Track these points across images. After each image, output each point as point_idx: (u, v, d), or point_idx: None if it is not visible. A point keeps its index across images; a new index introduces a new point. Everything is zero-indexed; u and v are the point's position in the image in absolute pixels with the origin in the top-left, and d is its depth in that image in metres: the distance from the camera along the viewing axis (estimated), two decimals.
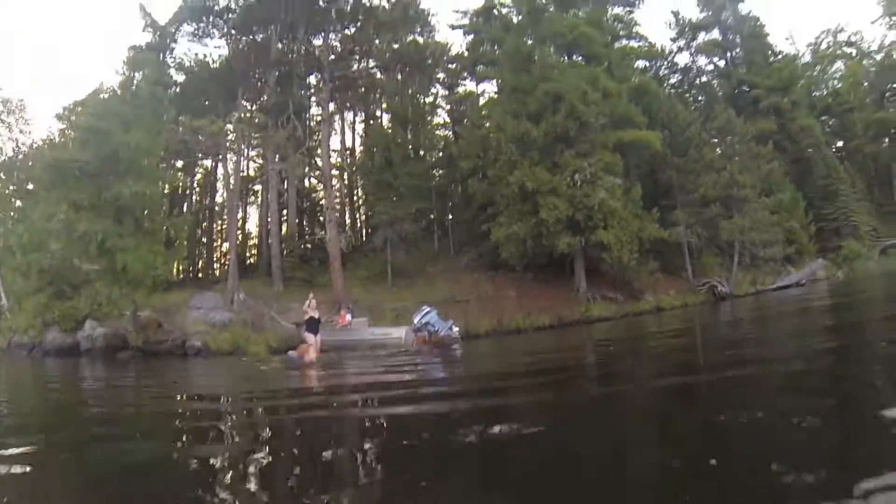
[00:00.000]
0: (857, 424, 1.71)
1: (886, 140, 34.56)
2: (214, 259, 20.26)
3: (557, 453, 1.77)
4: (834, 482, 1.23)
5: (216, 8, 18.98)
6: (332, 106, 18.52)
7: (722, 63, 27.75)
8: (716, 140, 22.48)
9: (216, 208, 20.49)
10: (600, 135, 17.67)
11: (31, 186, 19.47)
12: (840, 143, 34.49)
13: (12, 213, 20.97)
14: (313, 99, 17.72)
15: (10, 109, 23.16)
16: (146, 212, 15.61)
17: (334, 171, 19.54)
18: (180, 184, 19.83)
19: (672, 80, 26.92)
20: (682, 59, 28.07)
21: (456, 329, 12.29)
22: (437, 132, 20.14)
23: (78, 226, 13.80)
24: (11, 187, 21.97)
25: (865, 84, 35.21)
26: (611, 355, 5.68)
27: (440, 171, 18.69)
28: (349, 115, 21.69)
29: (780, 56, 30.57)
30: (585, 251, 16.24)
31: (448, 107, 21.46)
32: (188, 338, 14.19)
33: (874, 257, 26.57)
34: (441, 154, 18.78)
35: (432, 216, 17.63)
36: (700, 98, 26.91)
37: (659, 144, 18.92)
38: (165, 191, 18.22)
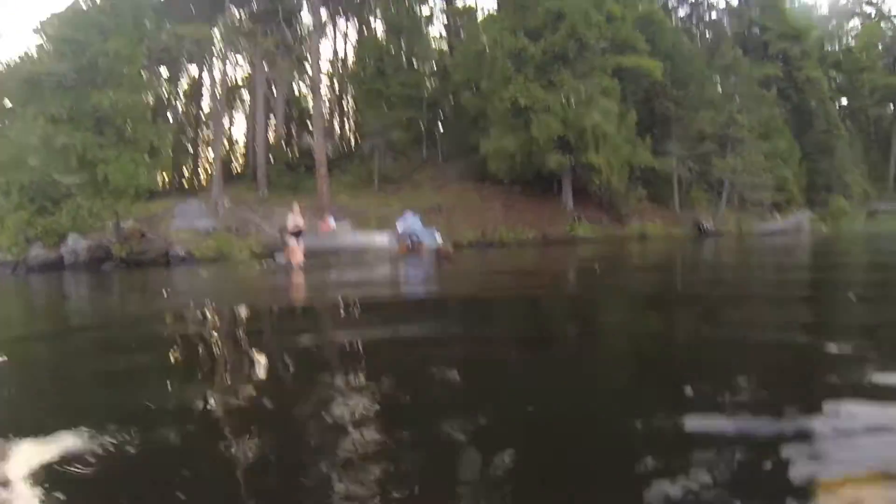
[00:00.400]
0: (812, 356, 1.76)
1: (892, 106, 33.87)
2: (199, 168, 20.13)
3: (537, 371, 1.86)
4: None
5: None
6: (324, 13, 17.69)
7: (735, 1, 26.53)
8: (719, 78, 22.01)
9: (202, 116, 20.03)
10: (600, 58, 17.21)
11: (7, 104, 18.80)
12: (844, 101, 33.79)
13: None
14: (305, 5, 16.89)
15: None
16: (127, 121, 15.24)
17: (324, 79, 19.05)
18: (165, 92, 19.25)
19: (680, 13, 25.81)
20: None
21: (439, 236, 12.37)
22: (432, 44, 19.44)
23: (56, 139, 13.61)
24: None
25: (880, 47, 33.99)
26: (597, 276, 5.75)
27: (433, 83, 18.24)
28: (342, 24, 20.82)
29: (796, 3, 29.26)
30: (575, 171, 16.28)
31: (445, 19, 20.62)
32: (172, 246, 14.11)
33: (861, 218, 26.85)
34: (435, 66, 18.24)
35: (422, 126, 17.43)
36: (707, 34, 25.93)
37: (660, 74, 18.48)
38: (149, 100, 17.71)
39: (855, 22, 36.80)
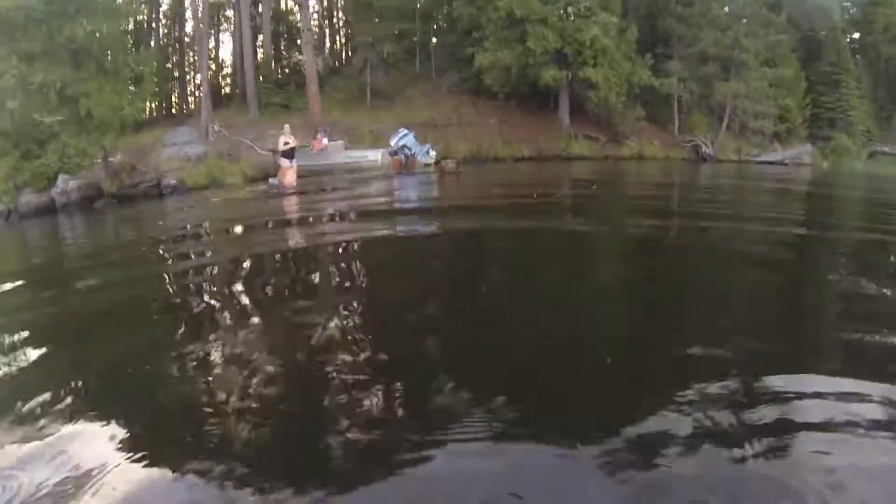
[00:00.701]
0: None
1: None
2: (188, 93, 19.57)
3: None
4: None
5: None
6: None
7: None
8: None
9: (186, 39, 19.24)
10: None
11: None
12: (857, 35, 32.33)
13: None
14: None
15: None
16: (106, 51, 14.50)
17: None
18: (144, 17, 18.37)
19: None
20: None
21: (433, 153, 12.20)
22: None
23: (33, 77, 12.69)
24: None
25: None
26: (591, 194, 5.54)
27: None
28: None
29: None
30: (572, 87, 15.86)
31: None
32: (163, 176, 13.92)
33: (862, 158, 26.44)
34: None
35: (415, 38, 16.79)
36: None
37: None
38: (129, 27, 16.91)
39: None
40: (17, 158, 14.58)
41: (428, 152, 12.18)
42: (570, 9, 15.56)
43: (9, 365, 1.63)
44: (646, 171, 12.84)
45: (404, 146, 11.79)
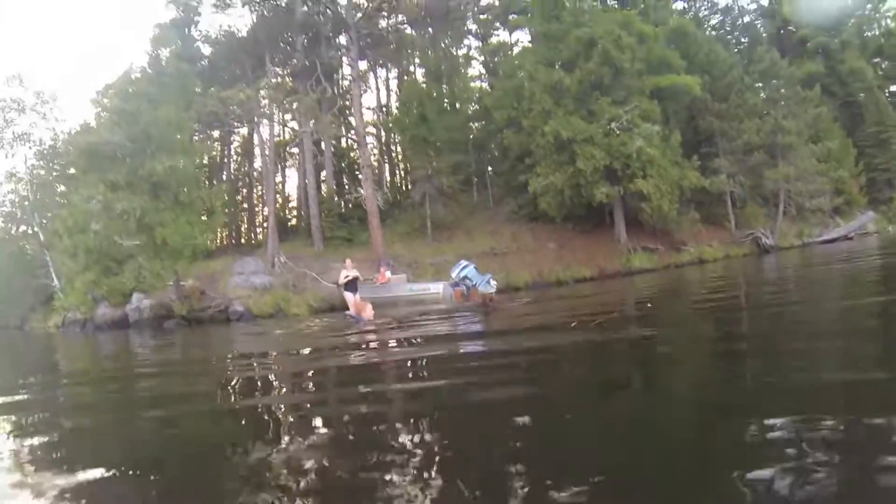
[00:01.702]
0: None
1: None
2: (256, 224, 20.80)
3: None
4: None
5: None
6: (363, 65, 18.29)
7: (765, 1, 25.69)
8: (759, 84, 21.17)
9: (255, 174, 20.88)
10: (636, 81, 16.93)
11: (71, 171, 20.09)
12: (894, 88, 31.78)
13: (57, 199, 21.86)
14: (344, 59, 17.47)
15: (43, 100, 23.85)
16: (182, 185, 15.85)
17: (369, 129, 19.47)
18: (217, 153, 20.22)
19: (712, 22, 25.17)
20: None
21: (494, 283, 12.20)
22: (472, 84, 19.66)
23: (116, 205, 14.02)
24: (54, 174, 23.01)
25: None
26: (652, 314, 5.46)
27: (477, 124, 18.34)
28: (382, 73, 21.48)
29: None
30: (625, 201, 15.88)
31: (482, 58, 20.84)
32: (230, 303, 14.54)
33: None
34: (477, 107, 18.38)
35: (470, 169, 17.45)
36: (743, 40, 25.12)
37: (699, 89, 17.98)
38: (204, 162, 18.59)
39: (891, 2, 34.89)
40: (97, 274, 15.62)
41: (489, 282, 12.11)
42: (613, 124, 15.98)
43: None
44: (707, 274, 12.21)
45: (465, 277, 11.79)
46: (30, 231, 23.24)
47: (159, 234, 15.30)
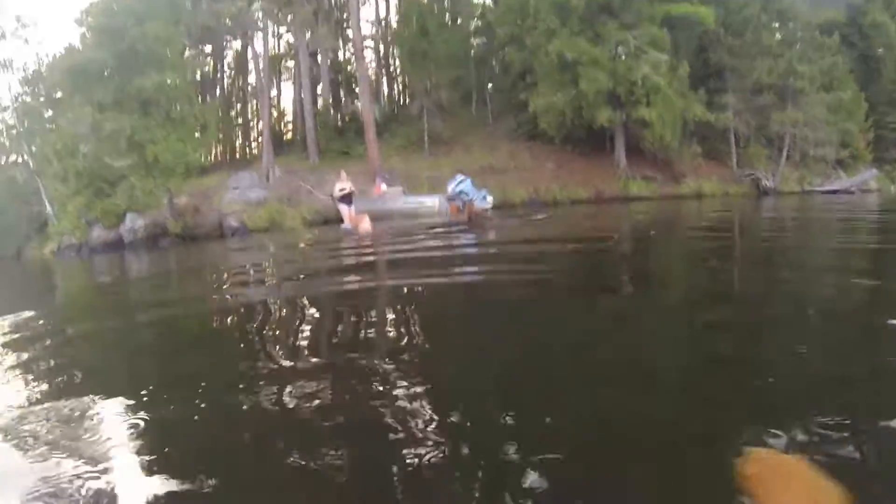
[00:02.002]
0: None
1: None
2: (251, 139, 20.49)
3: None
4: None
5: None
6: None
7: None
8: (776, 24, 20.33)
9: (250, 89, 20.38)
10: (647, 6, 16.22)
11: (58, 95, 19.49)
12: None
13: (46, 125, 21.39)
14: None
15: (24, 24, 22.91)
16: (173, 102, 15.44)
17: (368, 42, 18.83)
18: (209, 68, 19.64)
19: None
20: None
21: (490, 199, 12.10)
22: (474, 0, 18.87)
23: (105, 125, 13.70)
24: (40, 99, 22.42)
25: None
26: (650, 239, 5.31)
27: (478, 40, 17.73)
28: None
29: None
30: (627, 127, 15.58)
31: None
32: (225, 218, 14.45)
33: None
34: (479, 22, 17.71)
35: (469, 84, 17.04)
36: None
37: (713, 21, 17.25)
38: (196, 77, 18.02)
39: None
40: (90, 197, 15.54)
41: (485, 197, 12.06)
42: (619, 49, 15.46)
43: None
44: (706, 210, 12.17)
45: (462, 192, 11.71)
46: (20, 159, 22.94)
47: (150, 152, 15.06)
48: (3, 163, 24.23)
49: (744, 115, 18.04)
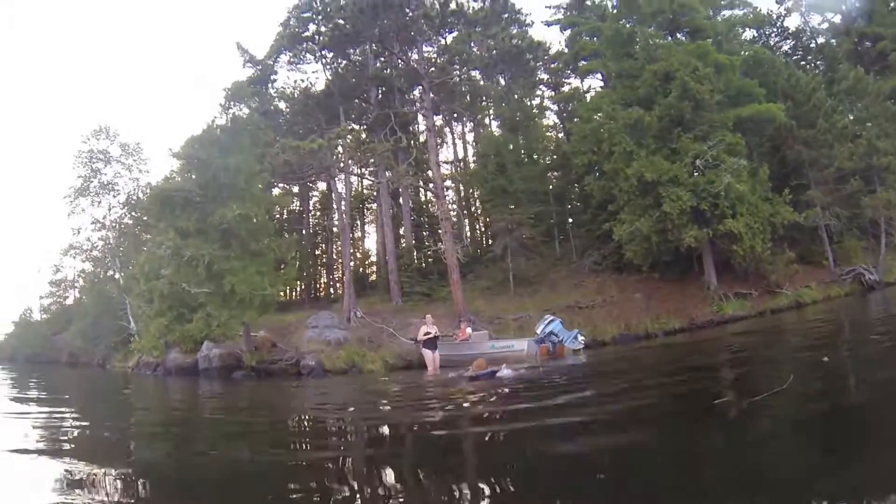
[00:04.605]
0: None
1: None
2: (335, 279, 21.27)
3: None
4: None
5: (306, 34, 19.86)
6: (438, 119, 18.55)
7: (837, 19, 24.15)
8: (844, 105, 19.77)
9: (334, 229, 21.61)
10: (717, 114, 16.29)
11: (149, 220, 21.32)
12: None
13: (142, 247, 23.42)
14: (419, 114, 17.84)
15: (128, 152, 26.05)
16: (253, 235, 16.03)
17: (447, 182, 19.73)
18: (296, 207, 21.05)
19: (785, 48, 23.93)
20: (793, 21, 24.83)
21: (582, 338, 11.83)
22: (548, 134, 19.60)
23: (185, 251, 14.29)
24: (136, 221, 24.94)
25: None
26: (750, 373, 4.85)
27: (555, 174, 18.19)
28: (458, 129, 21.80)
29: None
30: (713, 244, 15.15)
31: (556, 107, 20.81)
32: (302, 357, 14.41)
33: None
34: (554, 156, 18.27)
35: (551, 220, 17.23)
36: (818, 63, 23.70)
37: (783, 116, 17.02)
38: (276, 214, 19.26)
39: None
40: (171, 319, 16.17)
41: (576, 337, 11.78)
42: (697, 161, 15.38)
43: None
44: (807, 318, 11.21)
45: (551, 333, 11.50)
46: (113, 276, 25.26)
47: (228, 283, 15.57)
48: (101, 277, 26.83)
49: (832, 208, 17.20)
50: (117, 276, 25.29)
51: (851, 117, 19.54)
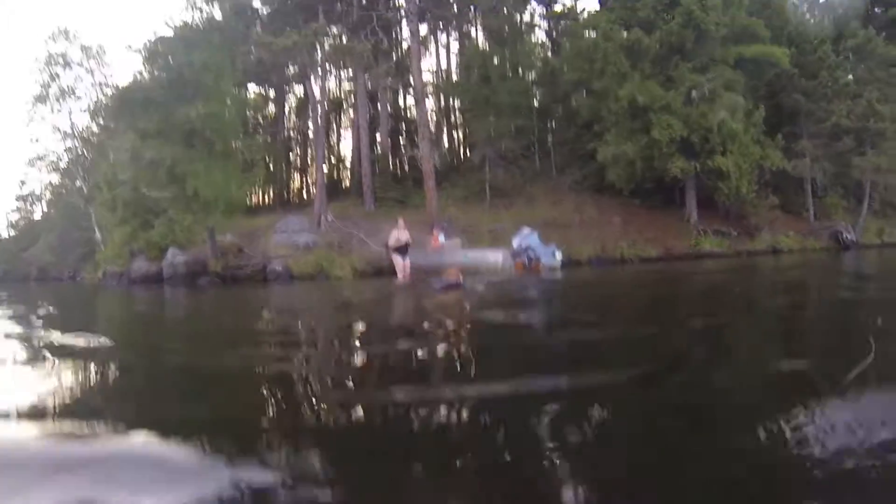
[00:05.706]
0: None
1: None
2: (309, 184, 20.22)
3: None
4: None
5: None
6: (424, 28, 17.10)
7: None
8: (849, 63, 19.04)
9: (310, 133, 20.25)
10: (720, 48, 15.33)
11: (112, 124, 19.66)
12: None
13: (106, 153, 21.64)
14: (403, 20, 16.33)
15: (90, 55, 23.69)
16: (219, 135, 14.82)
17: (428, 89, 18.42)
18: (271, 112, 19.55)
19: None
20: None
21: (559, 255, 11.17)
22: (536, 50, 18.29)
23: (144, 153, 13.22)
24: (100, 128, 23.01)
25: None
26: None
27: (540, 89, 17.09)
28: (442, 37, 20.31)
29: None
30: (699, 178, 14.58)
31: (546, 24, 19.41)
32: (269, 262, 13.86)
33: None
34: (541, 72, 17.11)
35: (533, 135, 16.34)
36: (825, 18, 22.69)
37: (786, 61, 16.19)
38: (250, 117, 17.87)
39: None
40: (135, 227, 15.26)
41: (554, 254, 11.15)
42: (693, 92, 14.54)
43: None
44: (783, 267, 10.90)
45: (528, 247, 10.84)
46: (80, 187, 23.52)
47: (191, 186, 14.41)
48: (68, 189, 24.98)
49: (821, 162, 16.74)
50: (80, 184, 23.54)
51: (852, 77, 18.85)
